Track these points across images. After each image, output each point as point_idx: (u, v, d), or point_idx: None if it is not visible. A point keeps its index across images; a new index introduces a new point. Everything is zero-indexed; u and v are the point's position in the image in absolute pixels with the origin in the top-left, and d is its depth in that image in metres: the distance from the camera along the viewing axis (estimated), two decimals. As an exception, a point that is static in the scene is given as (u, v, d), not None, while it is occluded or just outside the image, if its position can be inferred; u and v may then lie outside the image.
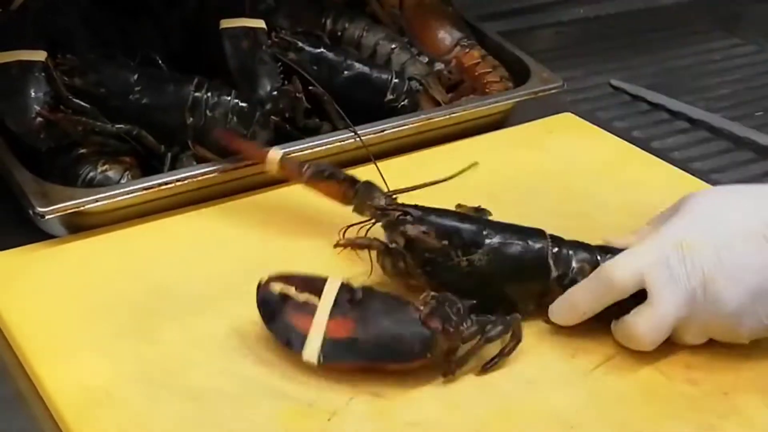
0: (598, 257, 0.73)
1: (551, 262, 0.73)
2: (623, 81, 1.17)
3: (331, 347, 0.67)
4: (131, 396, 0.67)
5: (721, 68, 1.25)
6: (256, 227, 0.84)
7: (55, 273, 0.79)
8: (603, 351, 0.72)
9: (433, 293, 0.69)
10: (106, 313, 0.74)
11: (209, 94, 0.90)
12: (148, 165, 0.90)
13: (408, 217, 0.74)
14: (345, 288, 0.69)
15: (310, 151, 0.90)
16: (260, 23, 0.97)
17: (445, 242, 0.73)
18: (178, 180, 0.85)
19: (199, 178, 0.86)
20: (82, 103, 0.88)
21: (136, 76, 0.90)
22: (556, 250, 0.73)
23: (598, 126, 1.03)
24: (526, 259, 0.73)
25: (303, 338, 0.67)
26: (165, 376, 0.68)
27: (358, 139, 0.90)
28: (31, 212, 0.80)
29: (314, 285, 0.69)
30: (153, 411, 0.66)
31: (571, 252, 0.74)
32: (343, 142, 0.91)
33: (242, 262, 0.79)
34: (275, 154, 0.81)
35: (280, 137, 0.93)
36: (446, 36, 1.09)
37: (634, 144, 1.00)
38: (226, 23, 0.96)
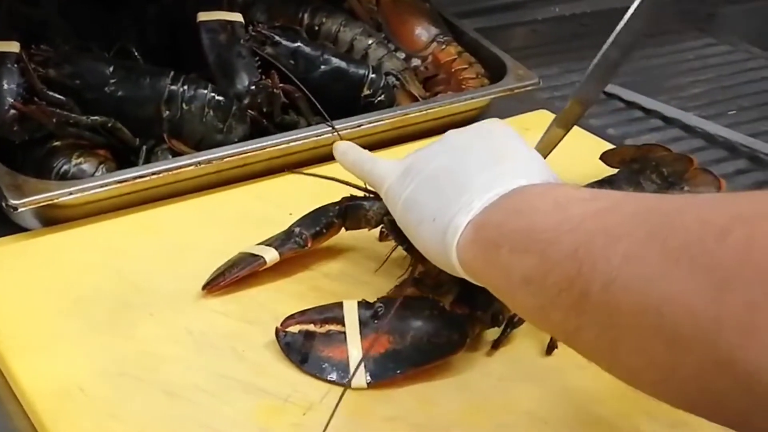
0: None
1: None
2: (598, 79, 1.17)
3: (375, 366, 0.66)
4: (106, 392, 0.66)
5: (694, 67, 1.27)
6: (233, 221, 0.84)
7: (29, 267, 0.78)
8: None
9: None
10: (80, 307, 0.73)
11: (185, 87, 0.89)
12: (123, 158, 0.90)
13: None
14: (363, 305, 0.69)
15: (286, 145, 0.90)
16: (238, 17, 0.97)
17: None
18: (153, 173, 0.85)
19: (175, 172, 0.85)
20: (57, 95, 0.87)
21: (111, 69, 0.89)
22: None
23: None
24: None
25: (345, 367, 0.67)
26: (140, 371, 0.68)
27: (335, 133, 0.90)
28: (3, 205, 0.80)
29: (332, 313, 0.69)
30: (128, 406, 0.65)
31: None
32: (319, 137, 0.91)
33: (219, 256, 0.79)
34: (274, 255, 0.76)
35: (256, 132, 0.93)
36: (423, 32, 1.09)
37: (609, 141, 1.01)
38: (204, 16, 0.95)
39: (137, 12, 1.02)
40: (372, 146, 0.94)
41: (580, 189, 0.59)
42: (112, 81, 0.89)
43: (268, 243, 0.77)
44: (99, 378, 0.67)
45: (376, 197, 0.75)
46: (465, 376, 0.69)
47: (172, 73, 0.90)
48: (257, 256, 0.75)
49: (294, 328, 0.69)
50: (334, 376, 0.67)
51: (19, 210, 0.80)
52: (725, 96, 1.19)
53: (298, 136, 0.91)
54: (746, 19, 1.45)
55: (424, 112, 0.98)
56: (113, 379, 0.67)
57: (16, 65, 0.87)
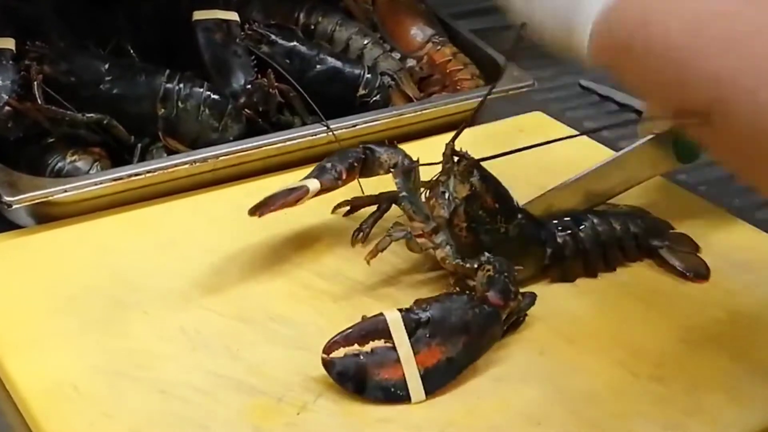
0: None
1: (548, 246, 0.78)
2: (592, 81, 1.18)
3: (431, 377, 0.66)
4: (99, 390, 0.66)
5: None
6: (228, 220, 0.84)
7: (22, 264, 0.78)
8: (571, 348, 0.73)
9: (488, 267, 0.70)
10: (74, 305, 0.73)
11: (181, 85, 0.89)
12: (118, 156, 0.90)
13: (475, 171, 0.74)
14: (407, 315, 0.67)
15: (281, 145, 0.90)
16: (233, 15, 0.97)
17: (497, 205, 0.75)
18: (148, 171, 0.85)
19: (170, 170, 0.85)
20: (52, 92, 0.87)
21: (107, 66, 0.89)
22: (552, 237, 0.79)
23: (568, 125, 1.04)
24: (535, 239, 0.78)
25: (404, 386, 0.66)
26: (134, 369, 0.68)
27: (330, 133, 0.90)
28: (-2, 202, 0.80)
29: (377, 329, 0.66)
30: (121, 405, 0.65)
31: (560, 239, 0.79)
32: (314, 136, 0.91)
33: (212, 255, 0.79)
34: (315, 185, 0.76)
35: (251, 131, 0.92)
36: (418, 32, 1.09)
37: (602, 143, 1.01)
38: (199, 15, 0.95)
39: (133, 9, 1.02)
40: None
41: None
42: (108, 78, 0.89)
43: (303, 179, 0.76)
44: (92, 376, 0.67)
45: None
46: (460, 376, 0.69)
47: (167, 71, 0.90)
48: (300, 185, 0.74)
49: (339, 353, 0.66)
50: (394, 398, 0.66)
51: (14, 207, 0.79)
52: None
53: (293, 135, 0.91)
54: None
55: (419, 112, 0.98)
56: (107, 377, 0.67)
57: (10, 62, 0.87)
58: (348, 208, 0.83)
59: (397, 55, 1.08)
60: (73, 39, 0.94)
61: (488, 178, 0.76)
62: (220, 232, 0.82)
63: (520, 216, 0.77)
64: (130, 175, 0.84)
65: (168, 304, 0.74)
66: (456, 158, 0.75)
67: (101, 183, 0.83)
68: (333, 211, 0.84)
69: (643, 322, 0.76)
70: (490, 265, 0.71)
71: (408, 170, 0.77)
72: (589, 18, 0.61)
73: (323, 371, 0.67)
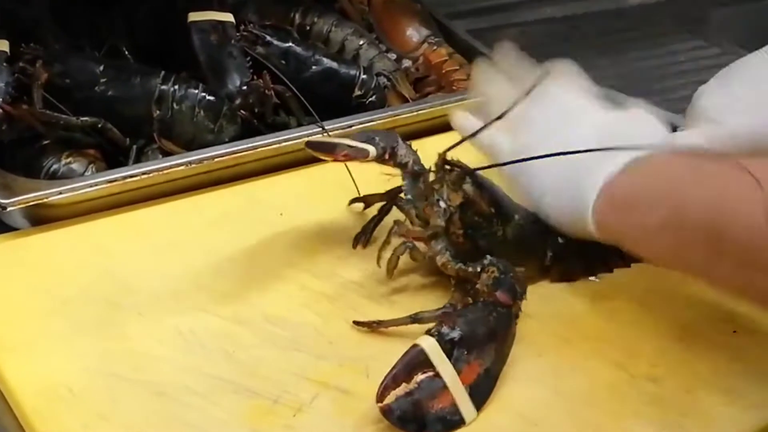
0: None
1: (549, 247, 0.78)
2: (588, 81, 1.18)
3: (476, 393, 0.66)
4: (95, 392, 0.66)
5: (685, 69, 1.27)
6: (223, 222, 0.84)
7: (18, 266, 0.78)
8: (568, 349, 0.73)
9: (492, 269, 0.70)
10: (69, 307, 0.73)
11: (176, 86, 0.89)
12: (113, 158, 0.90)
13: (468, 178, 0.74)
14: (440, 338, 0.66)
15: (276, 146, 0.90)
16: (229, 17, 0.97)
17: (492, 209, 0.75)
18: (143, 173, 0.84)
19: (165, 172, 0.85)
20: (46, 95, 0.87)
21: (102, 68, 0.89)
22: (552, 238, 0.78)
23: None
24: (535, 240, 0.78)
25: (456, 410, 0.65)
26: (129, 371, 0.68)
27: (325, 134, 0.90)
28: (-8, 204, 0.79)
29: (419, 361, 0.65)
30: (117, 407, 0.65)
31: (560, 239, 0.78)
32: (310, 137, 0.91)
33: (208, 256, 0.79)
34: (372, 152, 0.75)
35: (247, 132, 0.92)
36: (414, 33, 1.10)
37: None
38: (195, 16, 0.95)
39: (128, 11, 1.02)
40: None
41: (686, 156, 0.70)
42: (103, 80, 0.89)
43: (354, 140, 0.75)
44: (88, 378, 0.67)
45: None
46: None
47: (162, 72, 0.90)
48: (363, 147, 0.74)
49: (392, 397, 0.64)
50: (451, 426, 0.65)
51: (8, 209, 0.79)
52: (715, 99, 1.19)
53: (289, 136, 0.91)
54: (737, 22, 1.45)
55: (415, 113, 0.98)
56: (102, 379, 0.67)
57: (4, 63, 0.86)
58: (363, 204, 0.84)
59: (392, 56, 1.08)
60: (68, 41, 0.94)
61: (482, 184, 0.75)
62: (216, 233, 0.82)
63: (517, 217, 0.77)
64: (125, 177, 0.84)
65: (163, 306, 0.74)
66: (448, 167, 0.75)
67: (96, 185, 0.83)
68: (349, 204, 0.84)
69: (640, 322, 0.76)
70: (494, 267, 0.71)
71: (417, 174, 0.77)
72: (587, 209, 0.71)
73: (320, 373, 0.68)
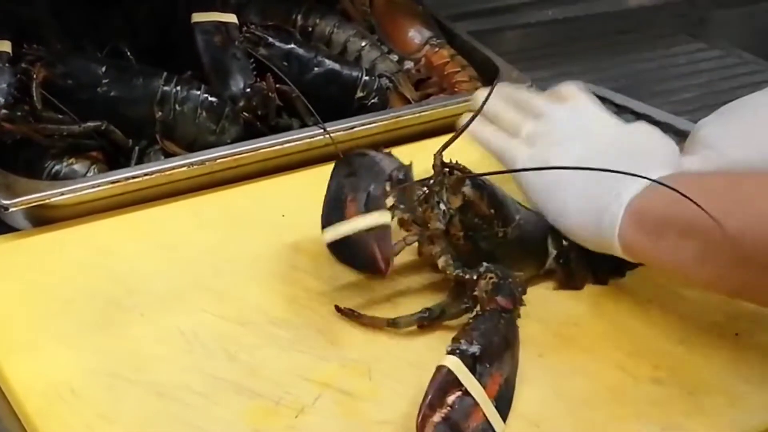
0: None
1: (551, 246, 0.78)
2: (590, 83, 1.17)
3: (501, 403, 0.66)
4: (97, 392, 0.66)
5: (686, 72, 1.27)
6: (225, 223, 0.84)
7: (20, 267, 0.78)
8: (570, 350, 0.73)
9: (490, 275, 0.70)
10: (71, 307, 0.73)
11: (178, 88, 0.89)
12: (115, 159, 0.90)
13: (467, 181, 0.74)
14: (462, 356, 0.65)
15: (278, 147, 0.90)
16: (232, 18, 0.97)
17: (492, 211, 0.75)
18: (145, 174, 0.84)
19: (167, 173, 0.85)
20: (48, 96, 0.87)
21: (104, 69, 0.89)
22: (555, 238, 0.78)
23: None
24: (536, 240, 0.78)
25: (488, 425, 0.64)
26: (131, 372, 0.68)
27: (327, 135, 0.90)
28: (-5, 205, 0.79)
29: (448, 382, 0.64)
30: (118, 407, 0.65)
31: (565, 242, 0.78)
32: (312, 139, 0.91)
33: (210, 257, 0.79)
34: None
35: (249, 134, 0.92)
36: (416, 34, 1.10)
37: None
38: (198, 17, 0.95)
39: (130, 12, 1.02)
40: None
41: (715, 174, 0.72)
42: (105, 81, 0.89)
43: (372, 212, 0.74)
44: (89, 378, 0.67)
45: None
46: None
47: (165, 73, 0.90)
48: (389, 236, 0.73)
49: (430, 427, 0.63)
50: None
51: (10, 210, 0.79)
52: (716, 101, 1.19)
53: (291, 138, 0.91)
54: (738, 24, 1.46)
55: (417, 114, 0.98)
56: (104, 379, 0.67)
57: (6, 64, 0.86)
58: None
59: (394, 57, 1.08)
60: (70, 41, 0.94)
61: (481, 186, 0.75)
62: (218, 234, 0.82)
63: (518, 217, 0.77)
64: (127, 178, 0.84)
65: (165, 307, 0.74)
66: (446, 169, 0.75)
67: (98, 186, 0.83)
68: None
69: (642, 323, 0.76)
70: (492, 273, 0.71)
71: (402, 185, 0.75)
72: (614, 230, 0.71)
73: (322, 374, 0.68)
